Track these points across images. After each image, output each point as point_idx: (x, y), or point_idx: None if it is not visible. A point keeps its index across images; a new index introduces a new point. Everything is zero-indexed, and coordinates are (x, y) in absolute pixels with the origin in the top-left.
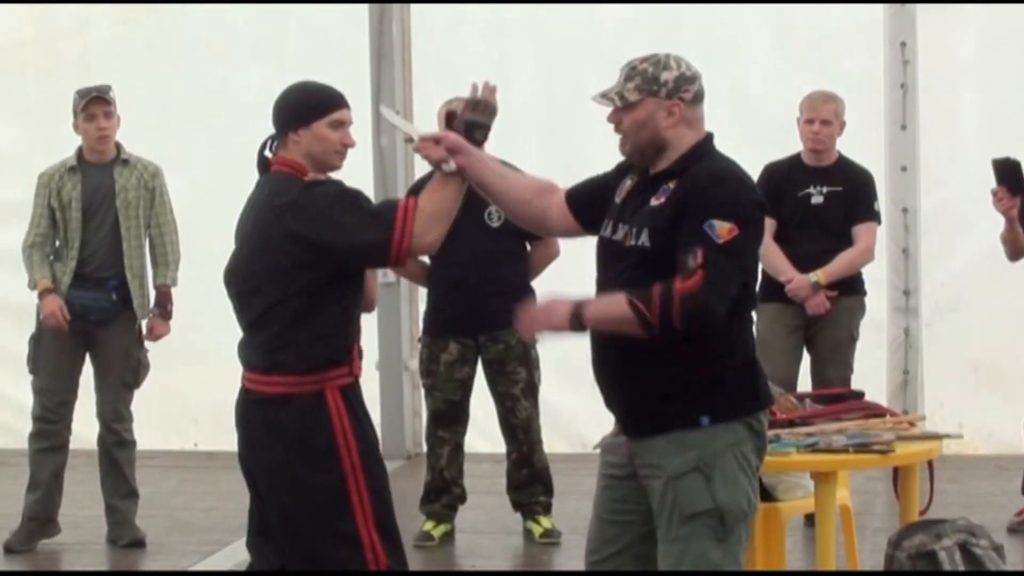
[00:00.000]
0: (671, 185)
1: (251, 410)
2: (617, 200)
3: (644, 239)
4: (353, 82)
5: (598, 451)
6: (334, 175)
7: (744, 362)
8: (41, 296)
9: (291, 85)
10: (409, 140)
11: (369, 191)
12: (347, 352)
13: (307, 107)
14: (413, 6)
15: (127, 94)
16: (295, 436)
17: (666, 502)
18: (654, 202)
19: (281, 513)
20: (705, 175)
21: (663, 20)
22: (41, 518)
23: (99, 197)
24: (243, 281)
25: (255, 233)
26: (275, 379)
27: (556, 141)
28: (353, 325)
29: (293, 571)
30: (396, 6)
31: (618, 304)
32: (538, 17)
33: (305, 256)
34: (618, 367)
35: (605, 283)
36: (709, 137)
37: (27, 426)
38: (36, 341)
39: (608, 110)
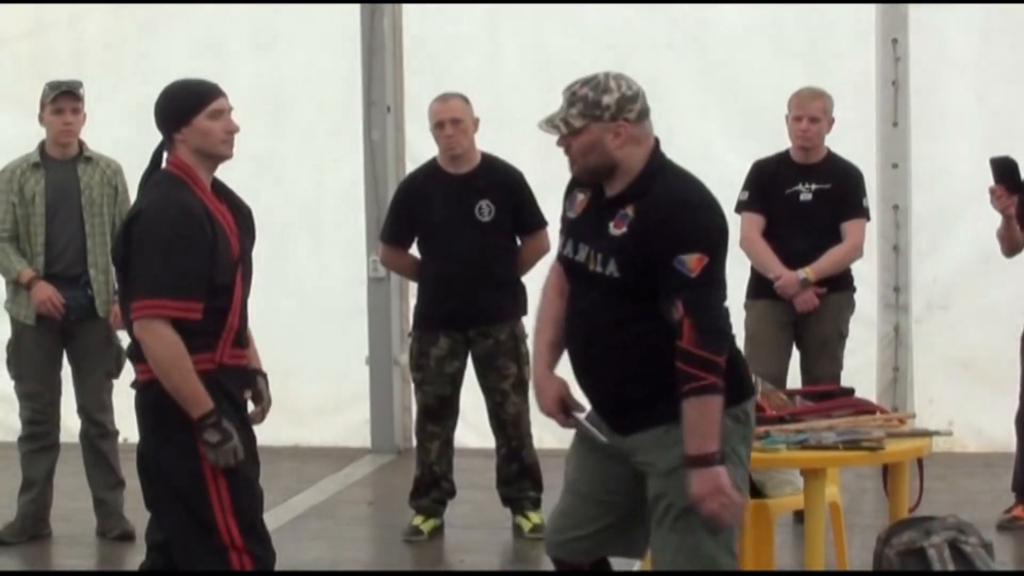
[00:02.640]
0: (629, 212)
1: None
2: (571, 216)
3: (612, 269)
4: (344, 76)
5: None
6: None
7: (727, 356)
8: (29, 286)
9: (164, 88)
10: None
11: (360, 185)
12: (210, 339)
13: (183, 105)
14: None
15: (120, 87)
16: (156, 420)
17: (660, 496)
18: (614, 230)
19: (150, 493)
20: (665, 203)
21: (657, 17)
22: (35, 517)
23: (63, 194)
24: (118, 269)
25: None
26: (142, 366)
27: (550, 137)
28: (217, 314)
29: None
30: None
31: (702, 409)
32: (531, 12)
33: None
34: (605, 368)
35: (584, 309)
36: (657, 145)
37: (16, 418)
38: (15, 346)
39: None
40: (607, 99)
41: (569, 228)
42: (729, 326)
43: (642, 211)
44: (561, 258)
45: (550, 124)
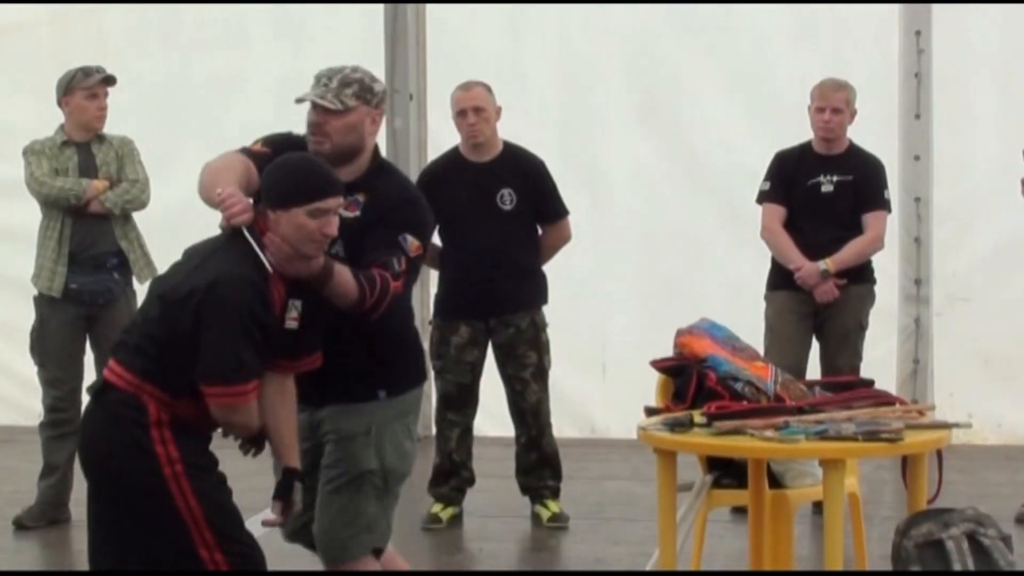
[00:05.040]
0: (361, 198)
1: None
2: None
3: (339, 249)
4: (367, 64)
5: (608, 436)
6: None
7: (411, 345)
8: (89, 190)
9: (291, 159)
10: None
11: None
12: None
13: (297, 188)
14: None
15: (141, 75)
16: (115, 425)
17: (337, 461)
18: (347, 212)
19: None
20: (397, 194)
21: (680, 9)
22: (55, 502)
23: (88, 174)
24: (169, 292)
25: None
26: (115, 367)
27: (572, 126)
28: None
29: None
30: None
31: (350, 277)
32: (554, 3)
33: None
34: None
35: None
36: (377, 148)
37: (36, 402)
38: (39, 331)
39: None
40: (377, 87)
41: None
42: (399, 312)
43: (375, 199)
44: None
45: (321, 99)
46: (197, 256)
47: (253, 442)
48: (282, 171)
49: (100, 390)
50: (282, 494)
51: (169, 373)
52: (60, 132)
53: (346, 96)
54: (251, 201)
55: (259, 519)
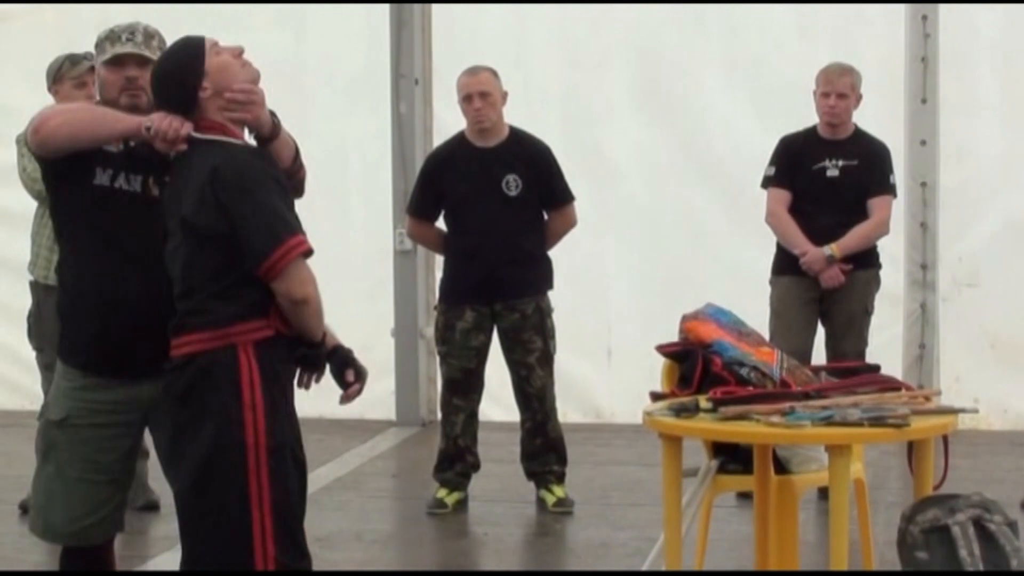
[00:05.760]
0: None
1: None
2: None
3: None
4: (372, 48)
5: (613, 421)
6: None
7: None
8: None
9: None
10: None
11: (387, 158)
12: (263, 301)
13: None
14: None
15: None
16: (199, 398)
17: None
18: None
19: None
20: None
21: None
22: None
23: None
24: (189, 215)
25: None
26: (185, 338)
27: (576, 112)
28: None
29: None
30: None
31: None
32: None
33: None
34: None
35: None
36: None
37: (38, 384)
38: (36, 315)
39: None
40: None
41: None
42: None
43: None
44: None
45: (138, 48)
46: (181, 180)
47: (313, 361)
48: (168, 63)
49: (181, 367)
50: (344, 364)
51: (242, 293)
52: None
53: (154, 49)
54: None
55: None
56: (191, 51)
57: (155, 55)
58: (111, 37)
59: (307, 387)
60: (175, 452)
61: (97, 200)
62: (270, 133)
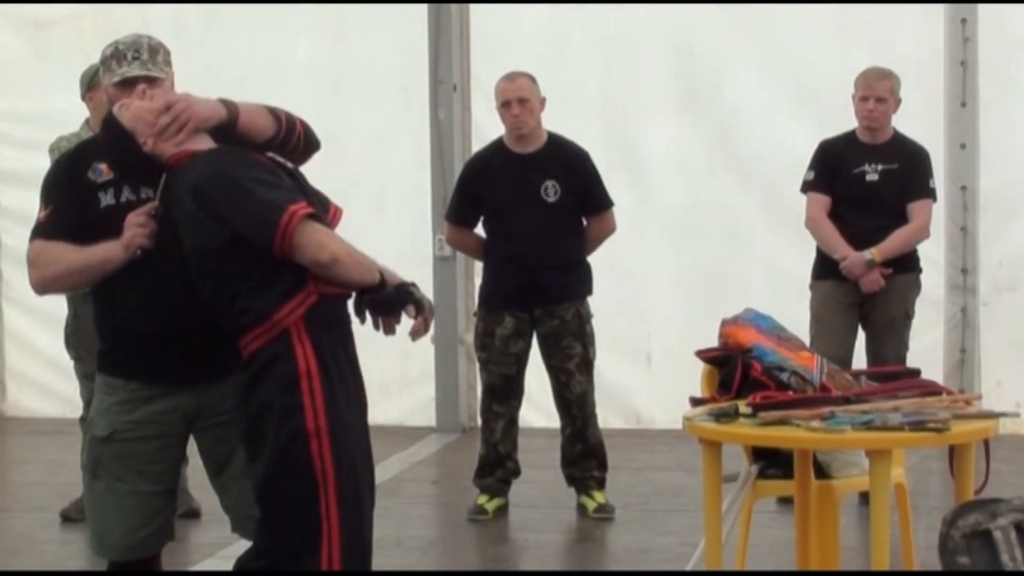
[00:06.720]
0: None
1: None
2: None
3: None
4: (411, 54)
5: (653, 427)
6: None
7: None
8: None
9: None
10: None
11: (425, 165)
12: (298, 275)
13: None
14: None
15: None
16: (263, 392)
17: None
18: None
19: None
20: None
21: None
22: None
23: None
24: (195, 241)
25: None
26: (248, 337)
27: (615, 115)
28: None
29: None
30: None
31: (257, 106)
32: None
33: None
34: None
35: None
36: None
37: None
38: (73, 327)
39: None
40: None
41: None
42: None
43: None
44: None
45: (145, 69)
46: (176, 211)
47: (379, 304)
48: (110, 152)
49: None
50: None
51: (276, 277)
52: (85, 127)
53: (161, 64)
54: (141, 214)
55: None
56: (111, 128)
57: (162, 72)
58: (117, 56)
59: (391, 331)
60: (248, 452)
61: (111, 218)
62: (229, 119)
